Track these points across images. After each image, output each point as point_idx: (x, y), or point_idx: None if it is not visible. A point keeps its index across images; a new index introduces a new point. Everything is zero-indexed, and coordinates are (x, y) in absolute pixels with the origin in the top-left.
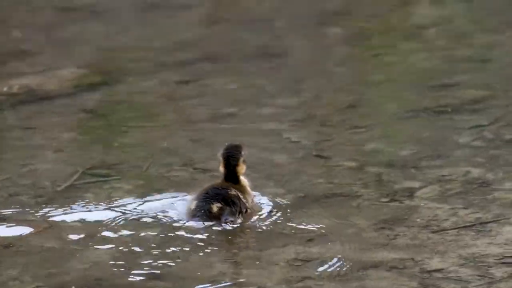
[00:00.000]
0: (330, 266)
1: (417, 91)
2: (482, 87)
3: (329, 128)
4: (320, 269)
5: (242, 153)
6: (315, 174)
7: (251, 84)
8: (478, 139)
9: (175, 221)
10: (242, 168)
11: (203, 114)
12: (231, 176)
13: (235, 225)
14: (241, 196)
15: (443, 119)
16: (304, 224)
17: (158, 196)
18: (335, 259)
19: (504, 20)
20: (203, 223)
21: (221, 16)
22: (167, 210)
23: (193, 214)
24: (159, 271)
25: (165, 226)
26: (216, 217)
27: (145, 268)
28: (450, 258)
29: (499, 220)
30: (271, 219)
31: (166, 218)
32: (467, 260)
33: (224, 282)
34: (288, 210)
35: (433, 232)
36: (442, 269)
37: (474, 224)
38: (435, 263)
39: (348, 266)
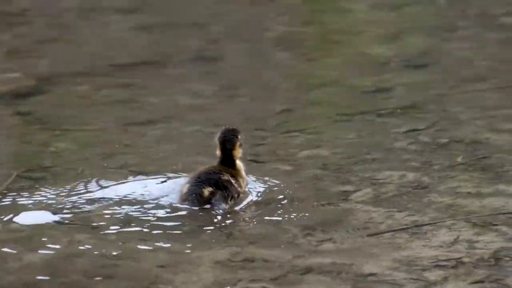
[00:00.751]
0: (265, 270)
1: (352, 95)
2: (418, 91)
3: (264, 132)
4: (255, 272)
5: (239, 137)
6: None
7: (187, 88)
8: (414, 143)
9: (110, 225)
10: (238, 152)
11: (139, 118)
12: (227, 159)
13: (223, 211)
14: (233, 181)
15: (379, 123)
16: (240, 227)
17: (91, 199)
18: (270, 263)
19: (438, 25)
20: (195, 208)
21: (157, 21)
22: (101, 213)
23: (185, 198)
24: (96, 273)
25: (100, 229)
26: (207, 201)
27: (82, 269)
28: (385, 261)
29: (434, 223)
30: (208, 222)
31: (101, 222)
32: (402, 263)
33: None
34: (227, 215)
35: (368, 235)
36: (377, 272)
37: (409, 227)
38: (370, 266)
39: (282, 270)
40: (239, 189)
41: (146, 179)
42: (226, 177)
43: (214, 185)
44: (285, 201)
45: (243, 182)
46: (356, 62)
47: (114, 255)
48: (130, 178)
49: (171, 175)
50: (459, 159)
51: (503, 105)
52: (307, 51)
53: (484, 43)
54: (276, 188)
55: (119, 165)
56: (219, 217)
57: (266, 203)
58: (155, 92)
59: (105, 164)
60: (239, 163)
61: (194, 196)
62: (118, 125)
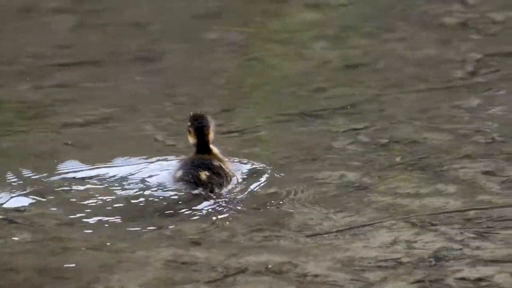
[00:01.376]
0: (203, 271)
1: (292, 95)
2: (357, 92)
3: None
4: (195, 274)
5: (211, 121)
6: None
7: (127, 89)
8: (353, 143)
9: (53, 226)
10: (211, 136)
11: (78, 118)
12: (202, 146)
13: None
14: (223, 166)
15: (318, 123)
16: (181, 228)
17: (32, 200)
18: (207, 264)
19: (377, 25)
20: (189, 190)
21: (95, 21)
22: (41, 213)
23: (181, 178)
24: (36, 273)
25: (41, 228)
26: (204, 184)
27: (22, 269)
28: (325, 262)
29: (374, 223)
30: (152, 222)
31: (38, 221)
32: (342, 263)
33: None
34: (176, 214)
35: (308, 236)
36: (317, 273)
37: (349, 228)
38: (310, 267)
39: (222, 271)
40: (228, 172)
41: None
42: (216, 163)
43: (210, 170)
44: (224, 202)
45: (227, 164)
46: (296, 62)
47: (54, 254)
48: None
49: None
50: (398, 159)
51: (441, 106)
52: (247, 51)
53: (423, 44)
54: (216, 190)
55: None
56: (162, 216)
57: (206, 204)
58: (96, 91)
59: (44, 165)
60: (213, 148)
61: (191, 176)
62: (57, 126)
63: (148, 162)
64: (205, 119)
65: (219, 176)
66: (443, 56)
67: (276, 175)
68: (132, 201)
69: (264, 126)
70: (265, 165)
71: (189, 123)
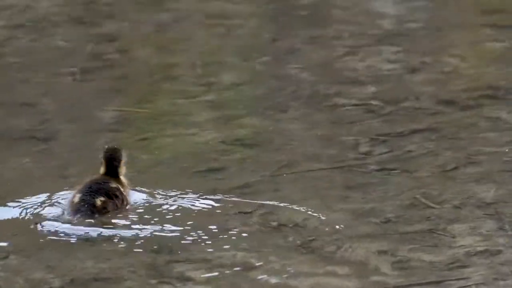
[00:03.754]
0: None
1: (185, 175)
2: (250, 172)
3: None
4: None
5: (123, 155)
6: (81, 258)
7: (18, 169)
8: (246, 225)
9: None
10: (123, 169)
11: None
12: (112, 174)
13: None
14: (122, 189)
15: (211, 204)
16: None
17: None
18: None
19: (270, 105)
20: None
21: None
22: None
23: (77, 209)
24: None
25: None
26: (100, 211)
27: None
28: None
29: None
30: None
31: None
32: None
33: None
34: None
35: None
36: None
37: None
38: None
39: None
40: (127, 196)
41: None
42: (114, 184)
43: (106, 195)
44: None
45: (127, 190)
46: (187, 142)
47: None
48: None
49: None
50: (290, 240)
51: (334, 186)
52: (138, 131)
53: (315, 124)
54: (109, 268)
55: None
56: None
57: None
58: None
59: None
60: (123, 179)
61: (87, 206)
62: None
63: None
64: (118, 152)
65: (116, 198)
66: (336, 136)
67: (166, 256)
68: None
69: (155, 206)
70: (159, 247)
71: (102, 154)
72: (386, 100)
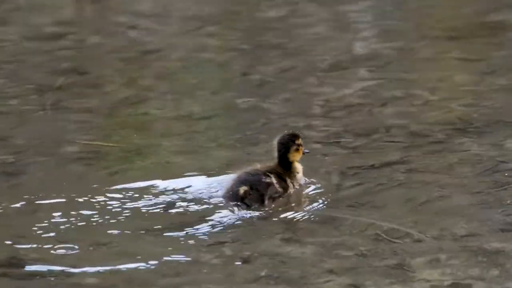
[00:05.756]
0: None
1: (155, 208)
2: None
3: None
4: None
5: (296, 142)
6: None
7: None
8: (218, 257)
9: None
10: (293, 156)
11: None
12: (283, 162)
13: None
14: (275, 181)
15: (184, 236)
16: None
17: None
18: None
19: (240, 138)
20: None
21: None
22: None
23: (223, 195)
24: None
25: None
26: (242, 199)
27: None
28: None
29: None
30: None
31: None
32: None
33: None
34: None
35: None
36: None
37: None
38: None
39: None
40: (279, 189)
41: None
42: (267, 179)
43: (250, 186)
44: None
45: (292, 182)
46: (158, 175)
47: None
48: None
49: None
50: (263, 273)
51: (302, 218)
52: (108, 164)
53: None
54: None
55: None
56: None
57: None
58: None
59: None
60: (296, 165)
61: (231, 194)
62: None
63: None
64: (291, 139)
65: (258, 191)
66: (308, 169)
67: None
68: None
69: (129, 240)
70: (127, 279)
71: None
72: (356, 132)
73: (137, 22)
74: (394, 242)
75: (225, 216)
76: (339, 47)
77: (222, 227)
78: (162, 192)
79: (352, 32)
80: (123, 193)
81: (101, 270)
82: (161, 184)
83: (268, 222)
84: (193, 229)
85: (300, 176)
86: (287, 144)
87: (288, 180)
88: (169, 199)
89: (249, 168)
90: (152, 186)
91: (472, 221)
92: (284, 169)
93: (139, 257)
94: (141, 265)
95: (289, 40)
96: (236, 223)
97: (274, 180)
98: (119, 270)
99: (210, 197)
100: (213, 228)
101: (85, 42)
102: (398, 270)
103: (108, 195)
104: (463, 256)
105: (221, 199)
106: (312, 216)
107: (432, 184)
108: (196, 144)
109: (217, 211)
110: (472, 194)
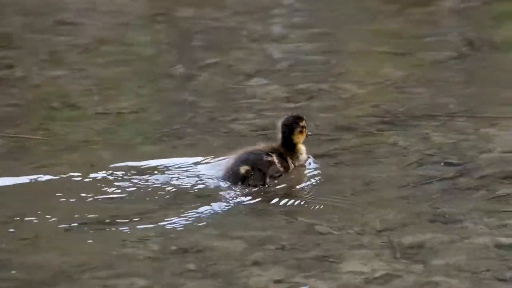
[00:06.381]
0: None
1: (84, 202)
2: (147, 200)
3: None
4: None
5: (300, 124)
6: None
7: None
8: (143, 249)
9: None
10: (297, 138)
11: None
12: (287, 143)
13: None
14: (276, 161)
15: (110, 231)
16: None
17: None
18: None
19: (167, 132)
20: (230, 185)
21: None
22: None
23: (223, 176)
24: None
25: None
26: (243, 179)
27: None
28: None
29: None
30: None
31: None
32: None
33: None
34: None
35: None
36: None
37: None
38: None
39: None
40: (280, 168)
41: None
42: (268, 158)
43: (251, 165)
44: None
45: (293, 162)
46: (85, 170)
47: None
48: None
49: None
50: (191, 267)
51: (234, 212)
52: (33, 160)
53: (212, 150)
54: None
55: None
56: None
57: None
58: None
59: None
60: (300, 147)
61: (231, 173)
62: None
63: None
64: (295, 120)
65: (260, 171)
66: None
67: (68, 284)
68: None
69: (57, 234)
70: (55, 274)
71: (281, 120)
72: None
73: (64, 16)
74: (321, 235)
75: (154, 209)
76: (266, 40)
77: (151, 221)
78: (89, 187)
79: (278, 24)
80: (51, 186)
81: (27, 265)
82: (88, 178)
83: (198, 215)
84: (121, 223)
85: (303, 157)
86: (291, 126)
87: (290, 161)
88: (97, 194)
89: (250, 148)
90: (79, 180)
91: (400, 213)
92: (288, 150)
93: (66, 251)
94: (67, 259)
95: (216, 35)
96: (166, 217)
97: (275, 159)
98: (45, 264)
99: (138, 191)
100: (141, 222)
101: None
102: (325, 263)
103: (35, 189)
104: (390, 249)
105: (217, 179)
106: (243, 210)
107: (359, 178)
108: (123, 138)
109: (146, 204)
110: (399, 188)
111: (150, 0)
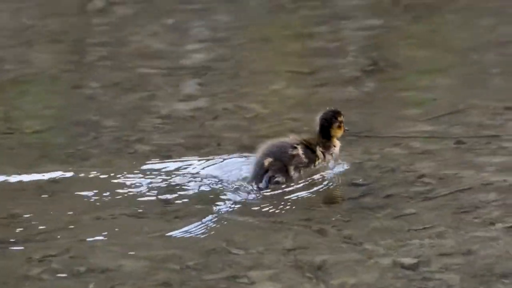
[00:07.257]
0: None
1: None
2: (47, 220)
3: None
4: None
5: (339, 119)
6: None
7: None
8: (47, 271)
9: None
10: (335, 132)
11: None
12: (325, 134)
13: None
14: (300, 152)
15: (13, 251)
16: None
17: None
18: None
19: (71, 153)
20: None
21: None
22: None
23: (252, 167)
24: None
25: None
26: (266, 171)
27: None
28: None
29: None
30: None
31: None
32: None
33: None
34: None
35: None
36: None
37: None
38: None
39: None
40: (304, 159)
41: None
42: (294, 151)
43: (275, 157)
44: None
45: (324, 152)
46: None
47: None
48: None
49: None
50: (91, 287)
51: (138, 231)
52: None
53: (118, 171)
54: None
55: None
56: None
57: None
58: None
59: None
60: (336, 141)
61: (257, 166)
62: None
63: None
64: (333, 115)
65: (285, 162)
66: (137, 184)
67: None
68: None
69: None
70: None
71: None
72: (187, 146)
73: None
74: (228, 255)
75: (54, 230)
76: (172, 58)
77: (51, 240)
78: None
79: (183, 43)
80: None
81: None
82: None
83: (101, 235)
84: (21, 242)
85: (337, 150)
86: (330, 120)
87: (319, 151)
88: None
89: (276, 140)
90: None
91: (300, 235)
92: (325, 138)
93: None
94: None
95: (120, 53)
96: (65, 236)
97: (300, 151)
98: None
99: (43, 212)
100: (43, 241)
101: None
102: (231, 283)
103: None
104: (293, 270)
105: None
106: (145, 229)
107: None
108: (28, 159)
109: (49, 224)
110: (301, 209)
111: (50, 17)
